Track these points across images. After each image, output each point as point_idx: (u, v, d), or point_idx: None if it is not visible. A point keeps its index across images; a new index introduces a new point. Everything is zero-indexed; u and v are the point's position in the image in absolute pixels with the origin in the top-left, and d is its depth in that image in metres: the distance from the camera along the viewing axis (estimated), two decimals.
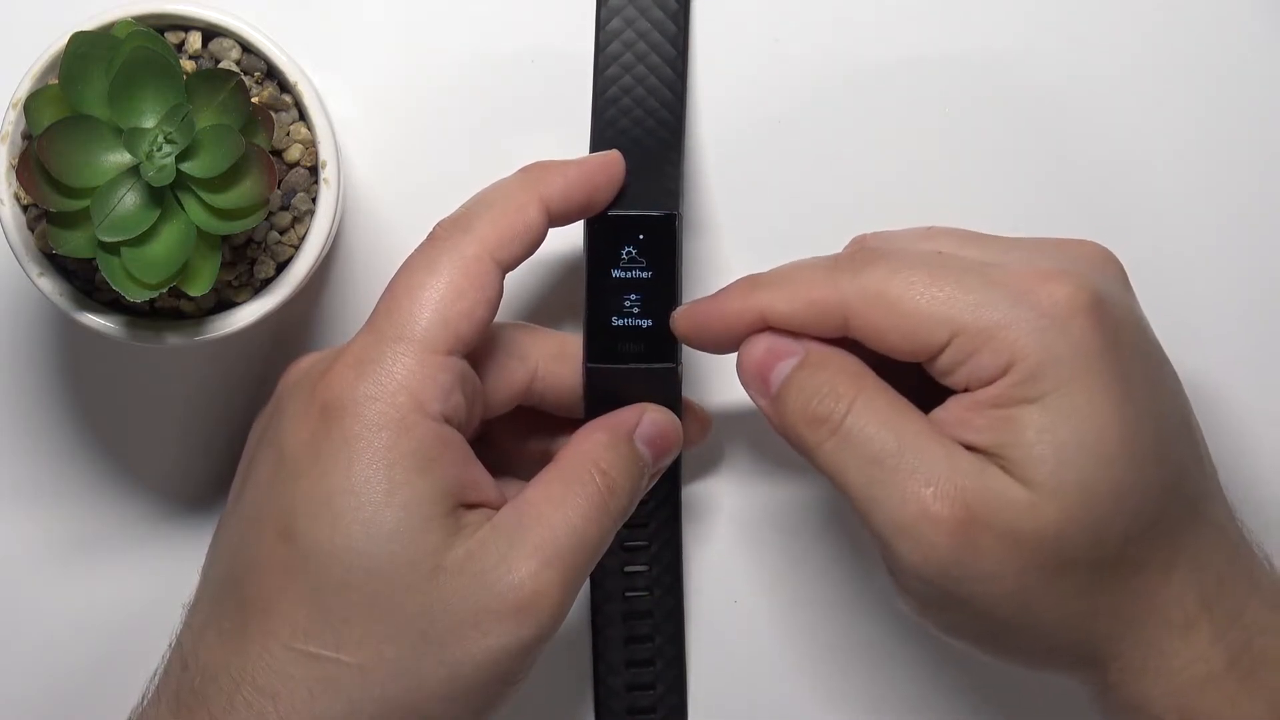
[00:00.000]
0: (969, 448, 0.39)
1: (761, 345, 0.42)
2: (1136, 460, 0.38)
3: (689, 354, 0.45)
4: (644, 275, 0.44)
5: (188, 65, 0.45)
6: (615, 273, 0.44)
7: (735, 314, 0.42)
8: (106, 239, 0.40)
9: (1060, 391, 0.38)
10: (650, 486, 0.45)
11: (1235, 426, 0.51)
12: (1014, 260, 0.41)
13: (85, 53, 0.41)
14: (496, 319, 0.43)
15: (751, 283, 0.42)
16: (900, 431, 0.39)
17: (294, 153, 0.45)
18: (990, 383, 0.39)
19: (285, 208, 0.45)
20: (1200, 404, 0.43)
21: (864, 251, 0.41)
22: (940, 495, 0.38)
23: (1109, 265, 0.42)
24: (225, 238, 0.43)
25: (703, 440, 0.50)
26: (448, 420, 0.41)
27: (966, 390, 0.40)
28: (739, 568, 0.52)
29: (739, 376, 0.43)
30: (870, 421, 0.40)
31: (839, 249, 0.44)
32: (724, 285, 0.43)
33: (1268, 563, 0.42)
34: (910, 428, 0.40)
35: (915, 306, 0.39)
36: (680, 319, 0.43)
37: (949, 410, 0.40)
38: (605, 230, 0.44)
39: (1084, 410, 0.38)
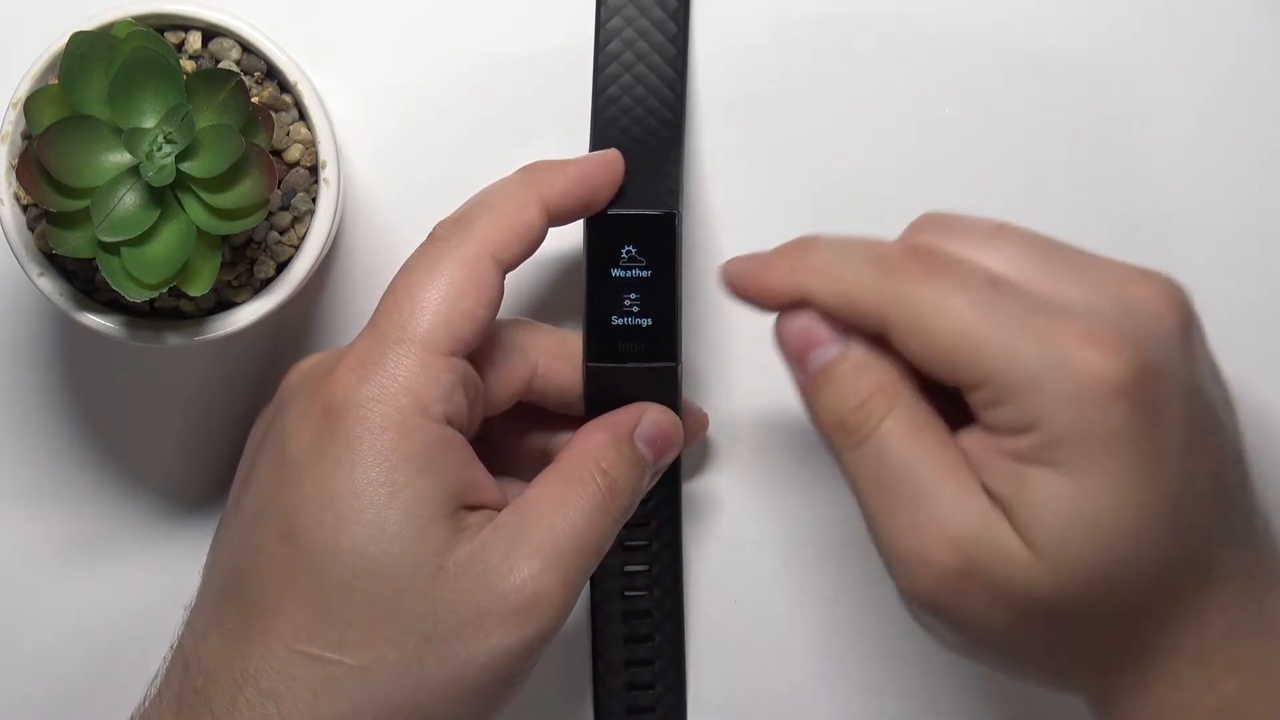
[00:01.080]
0: (985, 486, 0.39)
1: (800, 324, 0.40)
2: (1146, 541, 0.38)
3: (688, 354, 0.45)
4: (644, 274, 0.44)
5: (188, 65, 0.45)
6: (615, 272, 0.44)
7: (776, 289, 0.41)
8: (106, 239, 0.40)
9: (1079, 465, 0.37)
10: (650, 486, 0.45)
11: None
12: (1075, 301, 0.39)
13: (85, 53, 0.41)
14: (497, 317, 0.43)
15: (799, 256, 0.41)
16: (921, 459, 0.39)
17: (294, 153, 0.45)
18: (1012, 434, 0.38)
19: (285, 208, 0.45)
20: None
21: (920, 258, 0.39)
22: (941, 536, 0.38)
23: (1172, 315, 0.39)
24: (225, 238, 0.43)
25: (698, 440, 0.50)
26: (450, 421, 0.41)
27: (992, 429, 0.39)
28: (739, 568, 0.52)
29: (776, 341, 0.41)
30: (894, 443, 0.39)
31: None
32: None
33: None
34: (931, 457, 0.39)
35: (953, 344, 0.38)
36: (727, 274, 0.42)
37: (973, 442, 0.39)
38: (605, 229, 0.44)
39: (1100, 490, 0.37)
